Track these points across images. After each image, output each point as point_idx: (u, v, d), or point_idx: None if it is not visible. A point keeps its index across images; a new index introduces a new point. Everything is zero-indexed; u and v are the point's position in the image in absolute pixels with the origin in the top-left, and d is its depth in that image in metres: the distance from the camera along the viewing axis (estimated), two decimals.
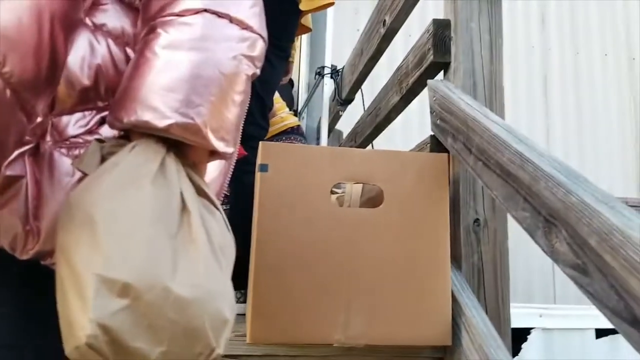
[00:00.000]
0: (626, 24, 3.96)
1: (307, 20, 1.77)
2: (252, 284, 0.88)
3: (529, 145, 0.77)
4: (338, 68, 2.49)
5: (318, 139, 2.72)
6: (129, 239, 0.45)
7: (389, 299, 0.90)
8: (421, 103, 1.57)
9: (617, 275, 0.53)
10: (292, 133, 2.30)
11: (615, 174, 3.70)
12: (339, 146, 2.40)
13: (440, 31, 1.23)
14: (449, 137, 1.06)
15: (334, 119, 2.64)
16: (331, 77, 2.49)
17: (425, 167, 0.98)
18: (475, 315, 0.89)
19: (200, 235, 0.49)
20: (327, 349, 0.93)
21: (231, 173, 1.61)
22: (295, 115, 2.70)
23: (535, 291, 3.49)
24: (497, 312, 1.01)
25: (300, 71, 3.07)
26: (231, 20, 0.56)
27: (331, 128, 2.73)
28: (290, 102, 2.95)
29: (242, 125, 1.60)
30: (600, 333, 3.25)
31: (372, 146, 2.53)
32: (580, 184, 0.64)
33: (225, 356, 0.94)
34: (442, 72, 1.27)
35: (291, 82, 3.06)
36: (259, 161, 0.93)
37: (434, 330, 0.90)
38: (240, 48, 0.56)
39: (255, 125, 1.56)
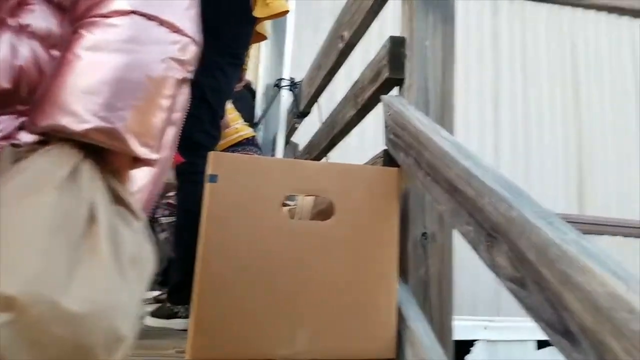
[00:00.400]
0: (572, 49, 4.17)
1: (262, 27, 1.77)
2: (196, 298, 0.86)
3: (476, 162, 0.80)
4: (297, 81, 2.50)
5: (273, 150, 2.72)
6: (22, 248, 0.43)
7: (336, 313, 0.90)
8: (377, 117, 1.59)
9: (553, 288, 0.55)
10: (247, 144, 2.29)
11: (558, 191, 3.87)
12: (295, 158, 2.40)
13: (396, 48, 1.26)
14: (401, 152, 1.08)
15: (291, 131, 2.65)
16: (289, 90, 2.50)
17: (376, 180, 0.99)
18: (419, 328, 0.91)
19: (106, 246, 0.46)
20: None
21: (178, 182, 1.57)
22: (252, 126, 2.69)
23: (480, 304, 3.58)
24: (441, 324, 1.03)
25: (259, 83, 3.07)
26: (161, 22, 0.54)
27: (287, 140, 2.73)
28: (250, 113, 2.93)
29: (192, 133, 1.57)
30: (541, 344, 3.37)
31: (327, 159, 2.55)
32: (522, 199, 0.66)
33: None
34: (397, 88, 1.30)
35: (252, 93, 3.05)
36: (208, 171, 0.92)
37: (379, 344, 0.91)
38: (170, 51, 0.55)
39: (205, 134, 1.54)
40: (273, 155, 2.78)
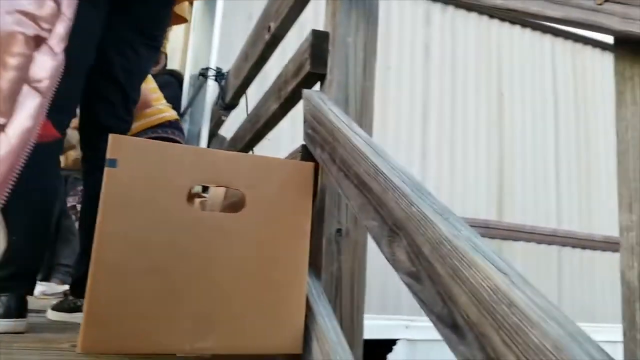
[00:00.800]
0: (498, 61, 4.38)
1: (181, 9, 1.70)
2: (89, 288, 0.80)
3: (384, 159, 0.80)
4: (224, 71, 2.44)
5: (198, 143, 2.64)
6: None
7: (241, 307, 0.87)
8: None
9: (444, 282, 0.56)
10: (170, 127, 2.20)
11: (480, 198, 4.05)
12: None
13: (319, 42, 1.25)
14: (317, 147, 1.07)
15: (218, 123, 2.58)
16: (215, 80, 2.44)
17: (291, 174, 0.97)
18: (327, 323, 0.90)
19: None
20: None
21: (84, 168, 1.47)
22: (178, 116, 2.59)
23: (403, 303, 3.68)
24: (352, 322, 1.03)
25: (186, 72, 2.97)
26: None
27: (214, 133, 2.66)
28: (177, 103, 2.83)
29: (102, 117, 1.48)
30: None
31: (253, 153, 2.51)
32: (423, 196, 0.67)
33: None
34: (319, 84, 1.29)
35: (180, 81, 2.94)
36: (107, 155, 0.86)
37: (285, 339, 0.89)
38: (21, 4, 0.50)
39: (117, 118, 1.46)
40: None
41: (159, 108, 2.19)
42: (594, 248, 4.27)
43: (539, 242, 4.11)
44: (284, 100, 1.43)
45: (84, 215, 1.44)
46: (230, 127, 2.62)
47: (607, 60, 4.76)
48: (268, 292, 0.90)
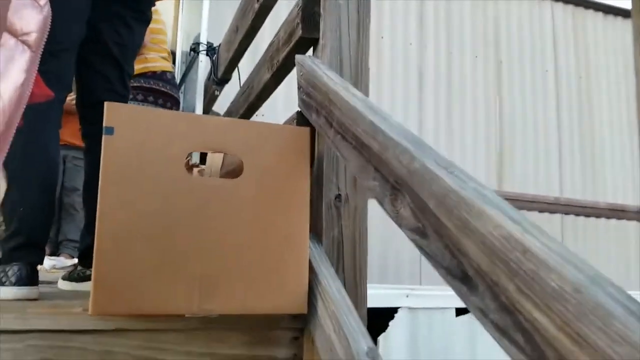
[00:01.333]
0: (496, 28, 4.31)
1: None
2: (96, 257, 0.79)
3: (382, 117, 0.78)
4: (215, 45, 2.39)
5: None
6: None
7: (246, 269, 0.87)
8: None
9: (452, 235, 0.55)
10: (155, 78, 2.17)
11: (479, 167, 4.03)
12: None
13: (310, 6, 1.22)
14: (313, 112, 1.05)
15: (211, 99, 2.55)
16: (207, 55, 2.39)
17: (287, 140, 0.95)
18: (330, 284, 0.89)
19: None
20: (182, 322, 0.88)
21: (85, 144, 1.46)
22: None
23: (404, 273, 3.70)
24: (355, 285, 1.03)
25: (178, 49, 2.91)
26: None
27: (208, 109, 2.63)
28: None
29: (99, 92, 1.45)
30: (460, 312, 3.55)
31: None
32: (425, 151, 0.65)
33: (74, 331, 0.85)
34: (311, 49, 1.26)
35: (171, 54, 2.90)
36: (104, 123, 0.84)
37: (290, 300, 0.89)
38: None
39: (114, 93, 1.44)
40: None
41: (145, 57, 2.16)
42: (598, 216, 4.26)
43: (541, 210, 4.10)
44: (277, 69, 1.40)
45: (87, 190, 1.43)
46: (223, 102, 2.59)
47: (609, 24, 4.70)
48: (271, 255, 0.89)
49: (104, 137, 0.83)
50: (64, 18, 1.25)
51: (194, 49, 2.43)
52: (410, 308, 3.47)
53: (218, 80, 2.28)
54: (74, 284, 1.37)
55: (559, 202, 4.27)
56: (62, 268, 2.30)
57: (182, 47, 2.84)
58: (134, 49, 1.49)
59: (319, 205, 1.05)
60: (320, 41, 1.20)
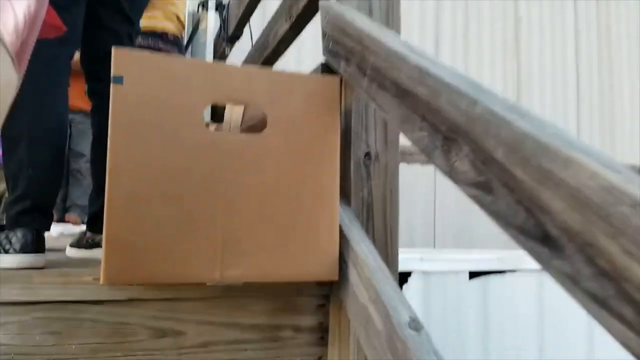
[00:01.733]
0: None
1: None
2: (107, 218, 0.72)
3: (430, 60, 0.68)
4: (224, 1, 2.27)
5: None
6: None
7: (271, 233, 0.79)
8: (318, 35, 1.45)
9: (527, 188, 0.46)
10: (154, 36, 2.08)
11: None
12: None
13: None
14: (342, 60, 0.95)
15: (221, 57, 2.43)
16: (216, 11, 2.27)
17: (315, 90, 0.86)
18: (363, 249, 0.82)
19: None
20: (202, 290, 0.81)
21: (93, 102, 1.37)
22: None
23: (417, 236, 3.65)
24: (385, 247, 0.95)
25: (185, 5, 2.78)
26: None
27: None
28: None
29: (106, 49, 1.36)
30: (473, 275, 3.51)
31: None
32: (487, 95, 0.56)
33: (84, 302, 0.78)
34: None
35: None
36: (112, 71, 0.75)
37: (319, 266, 0.81)
38: None
39: None
40: None
41: (150, 15, 2.06)
42: None
43: None
44: (296, 18, 1.29)
45: (95, 150, 1.35)
46: (234, 61, 2.48)
47: None
48: (298, 218, 0.81)
49: (112, 86, 0.74)
50: None
51: (203, 4, 2.31)
52: (423, 272, 3.44)
53: (229, 37, 2.16)
54: (83, 250, 1.30)
55: None
56: (71, 235, 2.25)
57: (189, 3, 2.71)
58: (144, 4, 1.39)
59: (346, 164, 0.96)
60: None
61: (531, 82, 4.10)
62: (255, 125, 0.87)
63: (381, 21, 1.05)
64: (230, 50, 2.29)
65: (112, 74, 0.75)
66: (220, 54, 2.37)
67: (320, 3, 1.09)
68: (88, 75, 1.35)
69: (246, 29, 2.15)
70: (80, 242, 1.32)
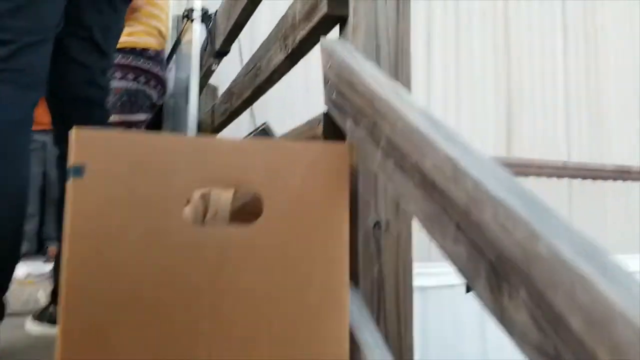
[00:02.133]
0: None
1: None
2: (61, 340, 0.58)
3: (464, 148, 0.56)
4: (210, 12, 2.11)
5: (187, 96, 2.36)
6: None
7: (267, 350, 0.66)
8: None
9: None
10: (133, 54, 1.95)
11: (488, 133, 3.83)
12: (214, 106, 2.07)
13: None
14: (348, 119, 0.82)
15: (207, 73, 2.28)
16: (202, 22, 2.12)
17: (319, 161, 0.73)
18: (375, 355, 0.70)
19: None
20: None
21: (59, 151, 1.23)
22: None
23: (414, 250, 3.54)
24: (399, 339, 0.83)
25: (169, 14, 2.62)
26: None
27: (204, 83, 2.37)
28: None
29: (80, 86, 1.21)
30: (470, 287, 3.43)
31: (252, 110, 2.24)
32: (552, 223, 0.43)
33: None
34: (337, 28, 1.02)
35: None
36: (70, 160, 0.61)
37: None
38: None
39: (96, 87, 1.20)
40: (187, 100, 2.43)
41: (130, 31, 1.92)
42: (604, 178, 4.15)
43: (549, 175, 3.96)
44: (292, 51, 1.16)
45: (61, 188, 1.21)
46: (220, 73, 2.33)
47: None
48: (301, 325, 0.68)
49: (71, 180, 0.60)
50: (40, 3, 1.00)
51: (187, 15, 2.15)
52: (420, 287, 3.34)
53: (216, 52, 2.01)
54: (45, 326, 1.17)
55: (567, 167, 4.14)
56: (39, 275, 2.10)
57: (173, 10, 2.55)
58: (118, 35, 1.24)
59: (354, 237, 0.84)
60: (351, 20, 0.96)
61: (522, 80, 4.02)
62: (247, 205, 0.73)
63: (390, 64, 0.92)
64: (218, 65, 2.14)
65: (69, 164, 0.61)
66: (206, 70, 2.23)
67: (322, 42, 0.96)
68: (55, 118, 1.20)
69: (236, 44, 2.01)
70: (42, 316, 1.19)
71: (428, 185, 0.58)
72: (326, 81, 0.94)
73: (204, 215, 0.77)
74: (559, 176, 4.01)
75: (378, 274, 0.84)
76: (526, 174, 3.81)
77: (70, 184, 0.59)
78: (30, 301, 1.79)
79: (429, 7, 3.78)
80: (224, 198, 0.69)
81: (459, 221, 0.52)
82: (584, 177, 4.11)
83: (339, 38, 0.99)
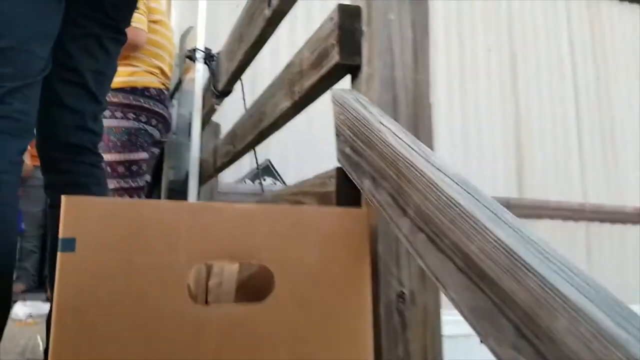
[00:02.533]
0: (509, 19, 4.00)
1: None
2: None
3: (519, 229, 0.47)
4: (213, 52, 2.06)
5: (189, 135, 2.30)
6: None
7: None
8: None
9: None
10: (134, 94, 1.90)
11: (498, 173, 3.73)
12: (216, 147, 1.99)
13: (349, 22, 0.90)
14: (366, 178, 0.74)
15: (210, 111, 2.22)
16: (205, 63, 2.07)
17: (337, 231, 0.64)
18: None
19: None
20: None
21: (49, 198, 1.15)
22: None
23: None
24: None
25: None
26: None
27: (206, 120, 2.31)
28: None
29: (71, 132, 1.13)
30: None
31: (255, 152, 2.16)
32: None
33: None
34: (349, 76, 0.95)
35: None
36: (61, 232, 0.53)
37: None
38: None
39: (87, 132, 1.13)
40: (189, 137, 2.36)
41: (133, 71, 1.87)
42: (624, 221, 3.97)
43: (565, 218, 3.79)
44: (299, 98, 1.09)
45: (53, 254, 1.12)
46: (224, 111, 2.27)
47: (627, 12, 4.38)
48: None
49: (60, 256, 0.52)
50: (26, 43, 0.94)
51: (190, 56, 2.10)
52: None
53: (218, 92, 1.95)
54: None
55: (584, 209, 3.97)
56: (40, 316, 1.99)
57: (176, 48, 2.51)
58: (110, 77, 1.17)
59: (375, 311, 0.74)
60: (364, 69, 0.89)
61: (530, 121, 3.95)
62: (254, 277, 0.64)
63: (408, 118, 0.84)
64: (220, 104, 2.08)
65: (60, 235, 0.53)
66: (209, 109, 2.16)
67: (334, 93, 0.89)
68: (45, 164, 1.12)
69: (238, 85, 1.95)
70: None
71: (474, 273, 0.49)
72: (338, 134, 0.86)
73: (207, 285, 0.68)
74: (576, 219, 3.84)
75: (404, 353, 0.74)
76: (540, 217, 3.67)
77: (60, 256, 0.51)
78: (27, 348, 1.69)
79: (434, 45, 3.76)
80: (228, 270, 0.60)
81: (519, 325, 0.43)
82: (602, 220, 3.93)
83: (351, 88, 0.92)
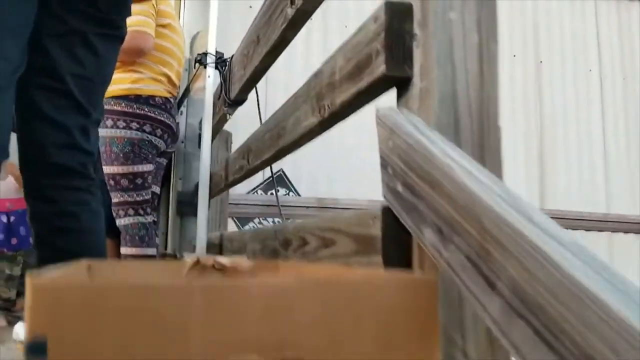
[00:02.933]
0: (535, 26, 3.83)
1: None
2: None
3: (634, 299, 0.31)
4: (225, 57, 1.91)
5: (199, 145, 2.15)
6: None
7: None
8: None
9: None
10: (138, 102, 1.77)
11: (519, 183, 3.56)
12: (227, 160, 1.84)
13: (397, 23, 0.74)
14: (427, 227, 0.57)
15: (222, 119, 2.07)
16: (216, 68, 1.92)
17: (399, 309, 0.48)
18: None
19: None
20: None
21: (34, 230, 0.99)
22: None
23: None
24: None
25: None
26: None
27: (218, 129, 2.16)
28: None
29: (54, 152, 0.96)
30: None
31: (272, 169, 2.01)
32: None
33: None
34: (394, 91, 0.79)
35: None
36: (27, 332, 0.37)
37: None
38: None
39: (76, 150, 0.97)
40: (198, 147, 2.22)
41: (138, 77, 1.75)
42: None
43: (588, 229, 3.64)
44: (329, 115, 0.93)
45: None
46: (237, 118, 2.11)
47: None
48: None
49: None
50: None
51: (200, 60, 1.95)
52: None
53: (230, 101, 1.80)
54: None
55: (607, 219, 3.80)
56: None
57: (185, 53, 2.37)
58: (104, 83, 1.01)
59: None
60: (417, 82, 0.72)
61: (554, 129, 3.77)
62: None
63: (474, 146, 0.68)
64: (232, 114, 1.93)
65: (26, 339, 0.37)
66: (220, 118, 2.01)
67: (380, 113, 0.73)
68: (30, 192, 0.96)
69: (253, 93, 1.80)
70: None
71: None
72: (385, 165, 0.69)
73: None
74: (599, 230, 3.69)
75: None
76: (562, 227, 3.51)
77: None
78: None
79: None
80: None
81: None
82: (626, 231, 3.77)
83: (398, 106, 0.76)
